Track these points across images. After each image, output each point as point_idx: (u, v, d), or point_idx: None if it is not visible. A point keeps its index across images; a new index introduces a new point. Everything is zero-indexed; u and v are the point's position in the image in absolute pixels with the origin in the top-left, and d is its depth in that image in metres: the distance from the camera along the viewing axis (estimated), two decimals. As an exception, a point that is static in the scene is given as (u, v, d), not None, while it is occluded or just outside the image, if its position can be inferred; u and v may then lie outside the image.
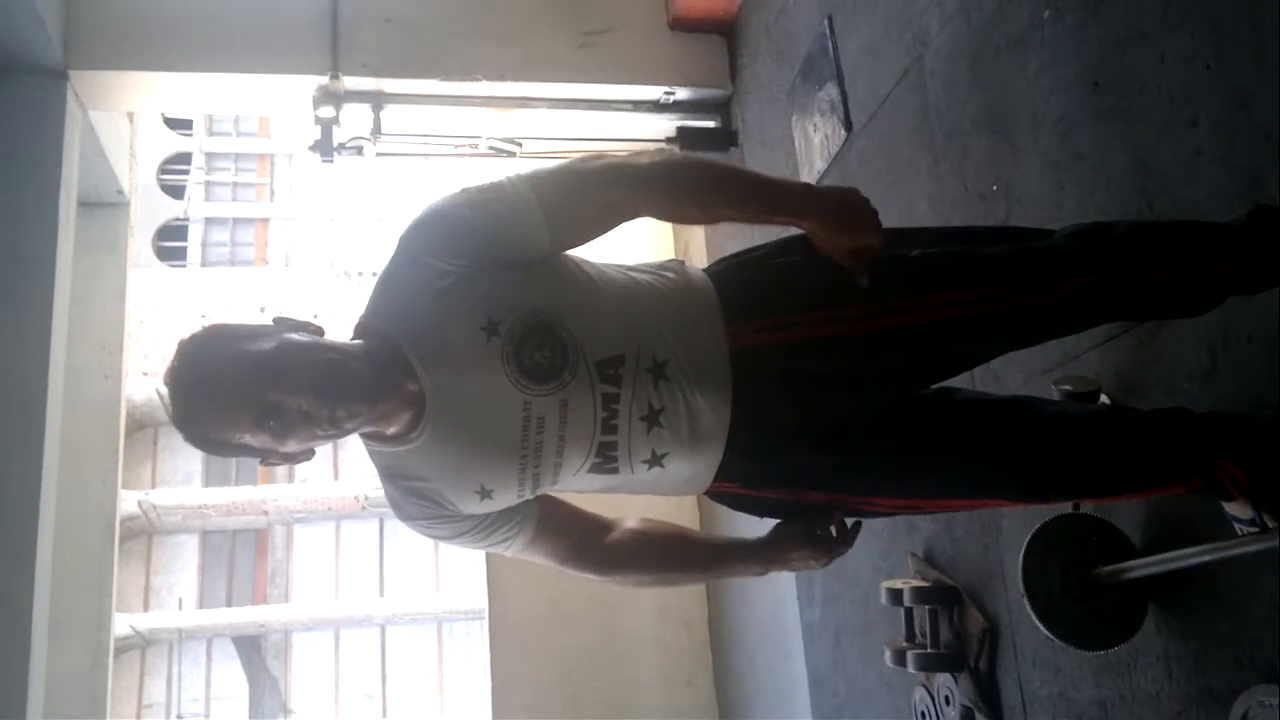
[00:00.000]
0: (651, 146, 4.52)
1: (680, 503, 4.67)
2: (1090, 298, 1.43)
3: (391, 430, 1.30)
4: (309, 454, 1.30)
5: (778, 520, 1.54)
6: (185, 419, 1.23)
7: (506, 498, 1.36)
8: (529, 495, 1.37)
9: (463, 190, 1.31)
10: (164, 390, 1.25)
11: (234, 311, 16.05)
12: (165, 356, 1.27)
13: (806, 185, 1.42)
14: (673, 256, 4.85)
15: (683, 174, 1.40)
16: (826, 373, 1.36)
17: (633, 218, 1.37)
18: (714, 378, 1.34)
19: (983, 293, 1.39)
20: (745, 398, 1.35)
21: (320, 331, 1.30)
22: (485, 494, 1.33)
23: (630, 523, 1.51)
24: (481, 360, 1.27)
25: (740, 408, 1.35)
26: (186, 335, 1.27)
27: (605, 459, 1.34)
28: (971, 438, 1.44)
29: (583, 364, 1.29)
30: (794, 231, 1.43)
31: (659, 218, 1.46)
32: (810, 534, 1.48)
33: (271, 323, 1.30)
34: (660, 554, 1.52)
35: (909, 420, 1.44)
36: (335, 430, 1.25)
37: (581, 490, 1.42)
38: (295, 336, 1.27)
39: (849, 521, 1.51)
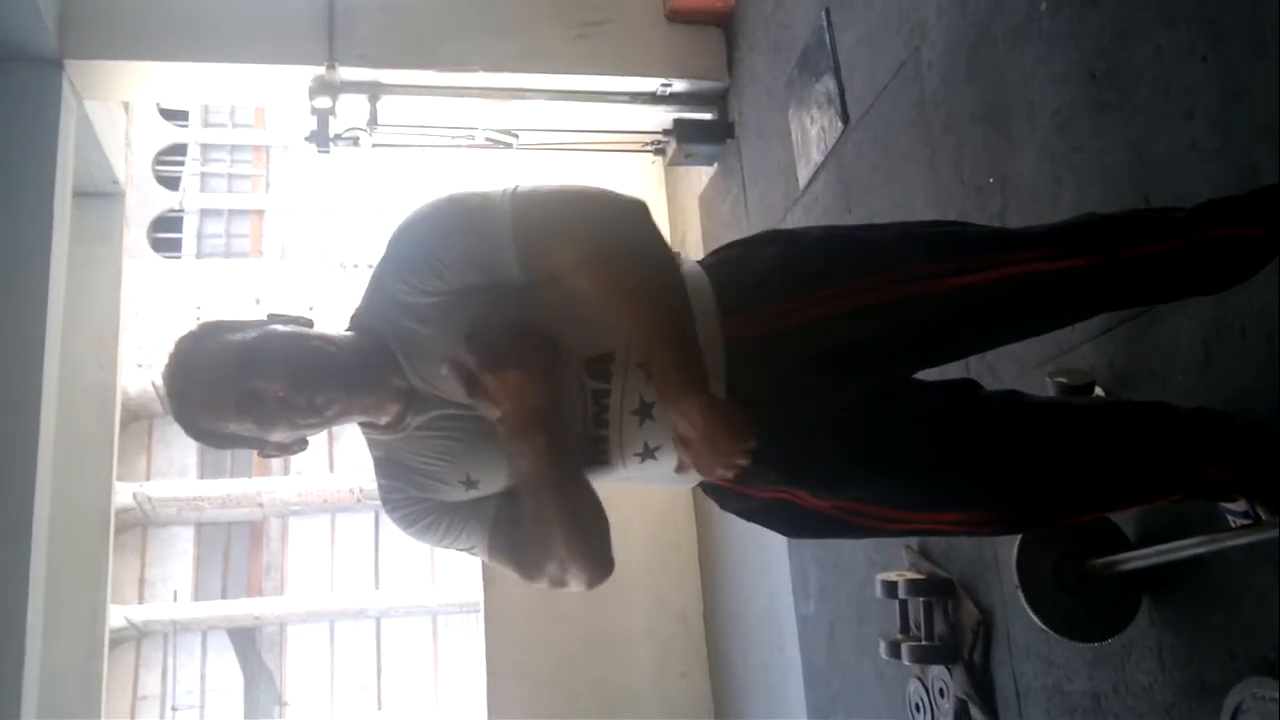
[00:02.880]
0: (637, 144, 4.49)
1: (676, 499, 4.70)
2: (1077, 274, 1.40)
3: (384, 420, 1.33)
4: (301, 444, 1.33)
5: (764, 524, 1.53)
6: (179, 411, 1.28)
7: (493, 486, 1.37)
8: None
9: (450, 202, 1.28)
10: (162, 386, 1.28)
11: (228, 303, 16.02)
12: (161, 349, 1.29)
13: (703, 391, 1.24)
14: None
15: (649, 291, 1.26)
16: (818, 358, 1.35)
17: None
18: (707, 369, 1.32)
19: (969, 262, 1.38)
20: (738, 388, 1.34)
21: (309, 324, 1.32)
22: (471, 484, 1.35)
23: None
24: None
25: (732, 399, 1.33)
26: (183, 332, 1.31)
27: (596, 452, 1.34)
28: (962, 445, 1.42)
29: (572, 362, 1.29)
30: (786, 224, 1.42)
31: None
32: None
33: (265, 317, 1.32)
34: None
35: (904, 419, 1.42)
36: (317, 418, 1.27)
37: None
38: (279, 327, 1.29)
39: None
